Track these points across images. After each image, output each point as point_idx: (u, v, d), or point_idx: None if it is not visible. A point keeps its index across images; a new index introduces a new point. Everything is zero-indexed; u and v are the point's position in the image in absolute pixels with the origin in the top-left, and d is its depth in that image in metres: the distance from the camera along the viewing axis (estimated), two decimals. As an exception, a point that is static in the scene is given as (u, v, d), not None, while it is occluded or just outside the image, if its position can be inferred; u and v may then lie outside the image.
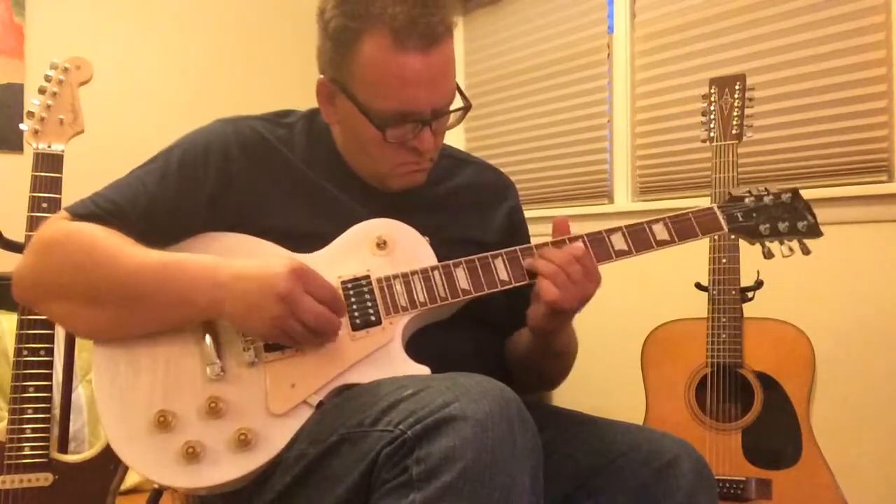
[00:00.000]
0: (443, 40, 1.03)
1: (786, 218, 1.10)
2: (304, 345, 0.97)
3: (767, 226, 1.09)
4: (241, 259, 0.98)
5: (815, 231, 1.10)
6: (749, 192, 1.12)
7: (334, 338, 0.98)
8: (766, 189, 1.12)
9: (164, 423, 0.93)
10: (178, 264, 0.97)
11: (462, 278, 1.03)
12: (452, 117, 1.10)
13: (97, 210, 1.03)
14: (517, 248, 1.06)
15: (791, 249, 1.11)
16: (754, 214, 1.10)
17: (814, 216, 1.10)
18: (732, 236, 1.11)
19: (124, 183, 1.08)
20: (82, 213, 1.03)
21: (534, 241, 1.26)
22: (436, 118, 1.07)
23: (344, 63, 1.05)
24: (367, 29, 1.01)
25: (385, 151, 1.08)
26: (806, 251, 1.11)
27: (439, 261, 1.06)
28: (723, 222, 1.08)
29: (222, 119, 1.14)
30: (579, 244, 1.05)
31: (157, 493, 1.62)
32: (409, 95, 1.03)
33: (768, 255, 1.12)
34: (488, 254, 1.05)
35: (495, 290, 1.04)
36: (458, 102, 1.09)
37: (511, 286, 1.04)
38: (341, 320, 0.98)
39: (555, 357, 1.15)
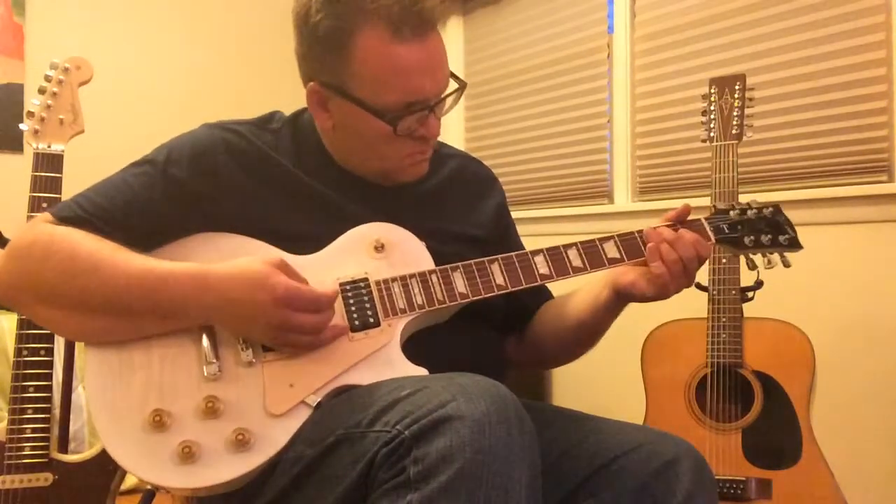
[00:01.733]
0: (436, 25, 1.04)
1: (768, 231, 1.12)
2: (309, 347, 0.97)
3: (751, 238, 1.12)
4: (226, 266, 0.97)
5: (795, 244, 1.13)
6: (732, 205, 1.15)
7: (334, 338, 0.98)
8: (748, 204, 1.15)
9: (159, 422, 0.92)
10: (165, 277, 0.96)
11: (459, 282, 1.04)
12: (450, 100, 1.10)
13: (82, 213, 1.02)
14: (513, 254, 1.07)
15: (771, 262, 1.15)
16: (739, 227, 1.13)
17: (794, 230, 1.14)
18: (719, 247, 1.14)
19: (110, 185, 1.07)
20: (67, 216, 1.02)
21: (528, 241, 1.27)
22: (438, 103, 1.07)
23: (339, 64, 1.04)
24: (360, 25, 1.01)
25: (393, 145, 1.08)
26: (787, 264, 1.15)
27: (434, 256, 1.06)
28: (710, 233, 1.11)
29: (209, 124, 1.13)
30: (708, 247, 1.09)
31: (150, 494, 1.62)
32: (414, 85, 1.03)
33: (752, 265, 1.16)
34: (485, 259, 1.06)
35: (492, 294, 1.05)
36: (451, 85, 1.10)
37: (507, 291, 1.05)
38: (342, 323, 0.99)
39: (608, 324, 1.17)
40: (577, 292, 1.20)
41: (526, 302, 1.23)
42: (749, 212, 1.13)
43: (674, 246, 1.06)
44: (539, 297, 1.28)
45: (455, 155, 1.30)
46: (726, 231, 1.12)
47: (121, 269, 0.97)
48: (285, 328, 0.94)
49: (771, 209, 1.14)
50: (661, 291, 1.06)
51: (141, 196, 1.05)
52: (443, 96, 1.08)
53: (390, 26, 1.00)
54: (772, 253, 1.14)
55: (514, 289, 1.05)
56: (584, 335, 1.20)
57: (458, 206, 1.21)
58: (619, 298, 1.11)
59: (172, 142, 1.11)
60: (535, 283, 1.06)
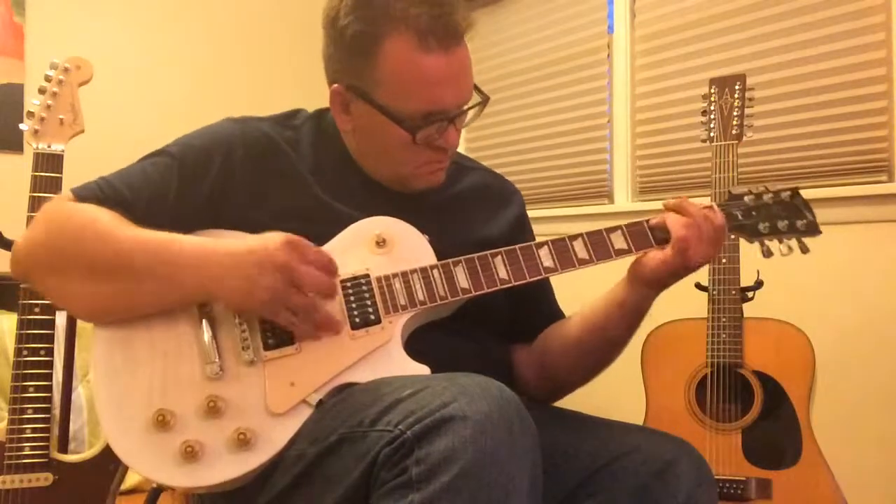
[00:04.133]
0: (463, 38, 1.04)
1: (785, 216, 1.09)
2: (307, 321, 0.96)
3: (767, 224, 1.09)
4: (233, 238, 0.99)
5: (813, 229, 1.09)
6: (749, 190, 1.11)
7: (334, 329, 0.98)
8: (765, 187, 1.11)
9: (162, 422, 0.93)
10: (173, 242, 0.97)
11: (462, 277, 1.03)
12: (472, 112, 1.10)
13: (101, 195, 1.04)
14: (517, 246, 1.05)
15: (790, 248, 1.10)
16: (754, 213, 1.10)
17: (813, 214, 1.10)
18: (732, 235, 1.10)
19: (130, 172, 1.08)
20: (87, 195, 1.04)
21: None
22: (459, 115, 1.08)
23: (364, 69, 1.04)
24: (387, 33, 1.02)
25: (411, 153, 1.08)
26: (805, 249, 1.10)
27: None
28: None
29: (231, 118, 1.14)
30: (720, 213, 1.05)
31: (156, 492, 1.62)
32: (436, 95, 1.04)
33: (767, 253, 1.12)
34: (488, 252, 1.05)
35: (495, 288, 1.03)
36: (474, 98, 1.10)
37: (510, 285, 1.04)
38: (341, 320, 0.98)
39: (632, 328, 1.13)
40: (589, 303, 1.17)
41: (532, 304, 1.21)
42: (765, 196, 1.10)
43: (682, 211, 1.04)
44: (548, 309, 1.26)
45: (477, 168, 1.29)
46: (740, 218, 1.09)
47: (130, 236, 0.98)
48: (289, 275, 0.93)
49: (789, 192, 1.10)
50: (683, 256, 1.01)
51: (158, 187, 1.06)
52: (464, 108, 1.08)
53: (417, 35, 1.01)
54: (789, 239, 1.10)
55: (517, 283, 1.04)
56: (600, 343, 1.13)
57: (475, 217, 1.20)
58: (640, 286, 1.07)
59: (193, 133, 1.12)
60: (540, 277, 1.04)
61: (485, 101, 1.11)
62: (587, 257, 1.05)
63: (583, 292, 1.19)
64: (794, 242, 1.11)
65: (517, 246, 1.05)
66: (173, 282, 0.96)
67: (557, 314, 1.26)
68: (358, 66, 1.05)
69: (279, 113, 1.18)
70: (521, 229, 1.26)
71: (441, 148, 1.09)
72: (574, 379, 1.20)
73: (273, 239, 0.94)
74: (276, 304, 0.94)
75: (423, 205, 1.15)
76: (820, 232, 1.09)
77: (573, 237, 1.06)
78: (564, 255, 1.05)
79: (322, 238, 1.06)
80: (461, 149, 2.82)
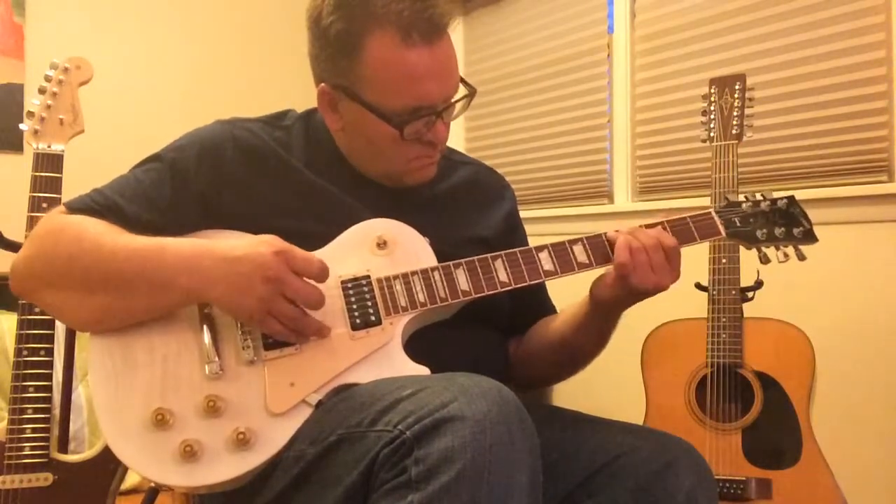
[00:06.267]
0: (446, 31, 1.05)
1: (782, 224, 1.11)
2: (294, 330, 0.96)
3: (764, 231, 1.10)
4: (226, 241, 0.98)
5: (810, 237, 1.11)
6: (746, 197, 1.13)
7: (326, 331, 0.98)
8: (762, 195, 1.13)
9: (161, 421, 0.92)
10: (164, 248, 0.97)
11: (462, 279, 1.03)
12: (459, 105, 1.10)
13: (94, 206, 1.04)
14: (517, 250, 1.06)
15: (786, 255, 1.12)
16: (751, 220, 1.11)
17: (809, 222, 1.11)
18: (730, 241, 1.11)
19: (122, 181, 1.09)
20: (79, 207, 1.05)
21: (532, 241, 1.27)
22: (447, 109, 1.07)
23: (349, 67, 1.04)
24: (371, 30, 1.01)
25: (400, 149, 1.08)
26: (801, 257, 1.12)
27: (442, 260, 1.06)
28: (721, 227, 1.09)
29: (221, 120, 1.14)
30: (672, 238, 1.05)
31: (153, 493, 1.62)
32: (422, 90, 1.04)
33: (764, 259, 1.14)
34: (488, 255, 1.05)
35: (495, 291, 1.04)
36: (461, 91, 1.10)
37: (511, 288, 1.05)
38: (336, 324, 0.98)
39: (597, 340, 1.15)
40: (564, 311, 1.20)
41: (528, 300, 1.22)
42: (762, 204, 1.11)
43: (635, 235, 1.04)
44: (542, 305, 1.27)
45: (468, 163, 1.30)
46: (738, 224, 1.10)
47: (121, 245, 0.98)
48: (278, 287, 0.93)
49: (785, 201, 1.12)
50: (624, 282, 1.03)
51: (150, 191, 1.06)
52: (451, 102, 1.08)
53: (400, 31, 1.01)
54: (786, 246, 1.12)
55: (517, 286, 1.04)
56: (566, 354, 1.18)
57: (468, 211, 1.21)
58: (596, 305, 1.10)
59: (183, 137, 1.12)
60: (539, 280, 1.05)
61: (472, 93, 1.11)
62: (587, 261, 1.06)
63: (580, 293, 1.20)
64: (790, 250, 1.12)
65: (517, 249, 1.06)
66: (165, 286, 0.96)
67: (551, 309, 1.28)
68: (343, 65, 1.05)
69: (268, 114, 1.18)
70: (513, 224, 1.28)
71: (430, 143, 1.09)
72: (548, 378, 1.26)
73: (264, 247, 0.94)
74: (263, 313, 0.94)
75: (417, 201, 1.16)
76: (816, 240, 1.11)
77: (573, 241, 1.07)
78: (564, 259, 1.06)
79: (324, 234, 1.06)
80: (462, 148, 2.82)
